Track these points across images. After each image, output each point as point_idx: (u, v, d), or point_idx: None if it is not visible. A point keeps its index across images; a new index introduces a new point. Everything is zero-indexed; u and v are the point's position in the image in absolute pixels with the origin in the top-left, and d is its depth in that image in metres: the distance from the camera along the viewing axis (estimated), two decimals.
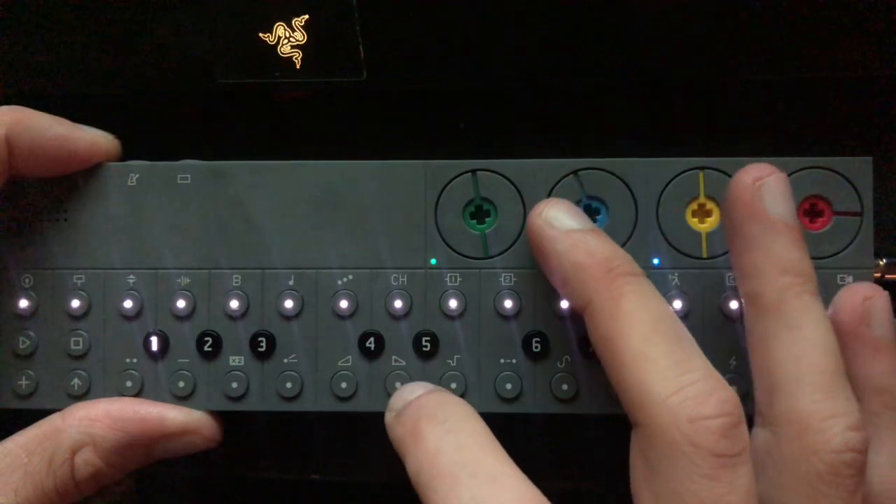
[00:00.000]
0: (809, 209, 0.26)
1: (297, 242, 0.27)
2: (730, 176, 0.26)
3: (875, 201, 0.26)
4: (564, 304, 0.26)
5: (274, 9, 0.28)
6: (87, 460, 0.25)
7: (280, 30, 0.28)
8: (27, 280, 0.27)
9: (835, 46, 0.28)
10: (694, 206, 0.26)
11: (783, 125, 0.30)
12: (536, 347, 0.26)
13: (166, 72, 0.29)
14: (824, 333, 0.22)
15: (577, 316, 0.26)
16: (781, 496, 0.21)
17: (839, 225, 0.26)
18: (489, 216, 0.27)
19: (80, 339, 0.27)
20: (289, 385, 0.27)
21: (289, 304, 0.26)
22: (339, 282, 0.27)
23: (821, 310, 0.22)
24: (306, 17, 0.28)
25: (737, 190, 0.23)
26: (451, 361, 0.26)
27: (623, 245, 0.26)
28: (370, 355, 0.27)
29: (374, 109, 0.31)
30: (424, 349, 0.26)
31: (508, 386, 0.26)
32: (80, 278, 0.27)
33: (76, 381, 0.27)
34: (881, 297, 0.24)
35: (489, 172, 0.26)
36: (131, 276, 0.27)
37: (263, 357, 0.27)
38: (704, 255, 0.26)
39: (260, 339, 0.27)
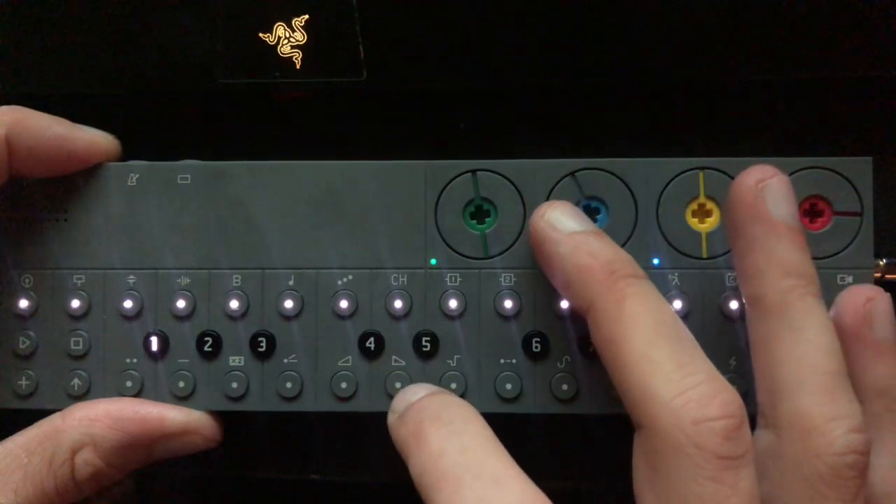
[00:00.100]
0: (809, 209, 0.26)
1: (297, 242, 0.27)
2: (730, 176, 0.26)
3: (875, 201, 0.26)
4: (564, 304, 0.26)
5: (274, 9, 0.28)
6: (88, 460, 0.25)
7: (280, 30, 0.28)
8: (27, 280, 0.27)
9: (835, 46, 0.28)
10: (694, 206, 0.26)
11: (783, 125, 0.30)
12: (536, 347, 0.26)
13: (166, 72, 0.29)
14: (827, 335, 0.22)
15: (577, 316, 0.26)
16: (784, 498, 0.21)
17: (839, 225, 0.26)
18: (489, 216, 0.27)
19: (80, 339, 0.27)
20: (289, 385, 0.27)
21: (289, 304, 0.26)
22: (339, 282, 0.27)
23: (823, 312, 0.22)
24: (306, 17, 0.28)
25: (739, 192, 0.23)
26: (451, 361, 0.26)
27: (623, 245, 0.26)
28: (370, 355, 0.27)
29: (374, 109, 0.31)
30: (424, 349, 0.26)
31: (508, 386, 0.26)
32: (80, 278, 0.27)
33: (76, 381, 0.27)
34: (883, 298, 0.24)
35: (489, 172, 0.26)
36: (131, 276, 0.27)
37: (263, 357, 0.27)
38: (704, 255, 0.26)
39: (260, 339, 0.27)
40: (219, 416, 0.27)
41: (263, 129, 0.31)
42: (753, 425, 0.22)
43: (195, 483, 0.34)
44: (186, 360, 0.27)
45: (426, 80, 0.29)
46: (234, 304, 0.27)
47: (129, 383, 0.27)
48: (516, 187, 0.26)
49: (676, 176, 0.26)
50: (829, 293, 0.24)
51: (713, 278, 0.26)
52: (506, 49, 0.29)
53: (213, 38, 0.29)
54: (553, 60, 0.29)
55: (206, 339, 0.27)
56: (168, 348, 0.27)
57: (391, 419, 0.24)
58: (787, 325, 0.22)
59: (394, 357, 0.27)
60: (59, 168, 0.26)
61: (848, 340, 0.23)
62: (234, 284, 0.27)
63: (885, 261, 0.28)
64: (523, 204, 0.26)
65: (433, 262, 0.27)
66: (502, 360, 0.26)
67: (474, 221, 0.27)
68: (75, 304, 0.27)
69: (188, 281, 0.27)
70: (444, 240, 0.27)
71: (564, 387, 0.26)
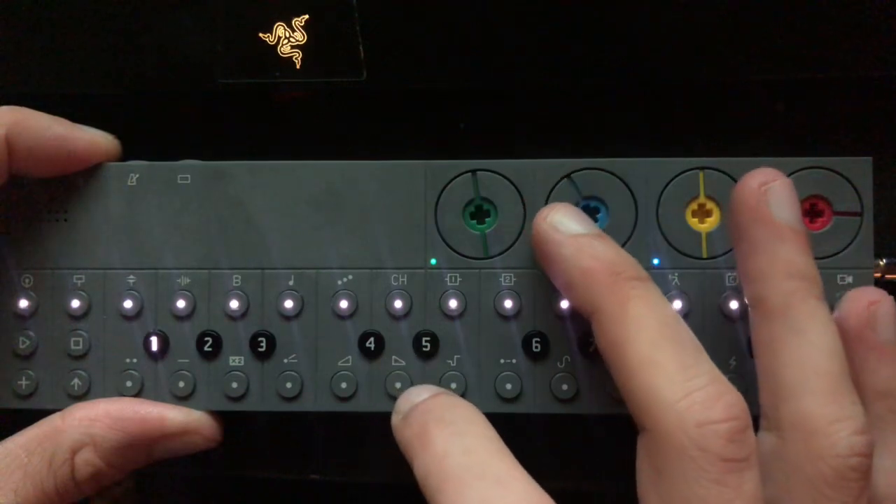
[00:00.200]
0: (809, 209, 0.26)
1: (297, 242, 0.27)
2: (730, 176, 0.26)
3: (875, 201, 0.26)
4: (564, 304, 0.26)
5: (274, 9, 0.28)
6: (88, 460, 0.25)
7: (280, 30, 0.28)
8: (27, 280, 0.27)
9: (835, 46, 0.28)
10: (694, 206, 0.26)
11: (783, 125, 0.30)
12: (536, 347, 0.26)
13: (166, 72, 0.29)
14: (830, 337, 0.22)
15: (577, 316, 0.26)
16: (787, 500, 0.21)
17: (839, 225, 0.26)
18: (489, 216, 0.27)
19: (80, 339, 0.27)
20: (289, 385, 0.27)
21: (289, 304, 0.26)
22: (339, 282, 0.27)
23: (826, 314, 0.22)
24: (306, 17, 0.28)
25: (742, 194, 0.23)
26: (451, 361, 0.26)
27: (623, 245, 0.26)
28: (370, 355, 0.27)
29: (374, 109, 0.31)
30: (424, 349, 0.26)
31: (508, 386, 0.26)
32: (80, 278, 0.27)
33: (76, 381, 0.27)
34: (886, 301, 0.24)
35: (489, 172, 0.26)
36: (131, 276, 0.27)
37: (263, 357, 0.27)
38: (704, 255, 0.26)
39: (260, 339, 0.27)
40: (219, 416, 0.27)
41: (263, 129, 0.31)
42: (756, 427, 0.22)
43: (195, 483, 0.34)
44: (186, 360, 0.27)
45: (426, 80, 0.29)
46: (234, 304, 0.27)
47: (129, 383, 0.27)
48: (516, 187, 0.26)
49: (676, 176, 0.26)
50: (829, 293, 0.24)
51: (713, 278, 0.26)
52: (506, 49, 0.29)
53: (213, 38, 0.29)
54: (553, 60, 0.29)
55: (206, 339, 0.27)
56: (168, 348, 0.27)
57: (395, 420, 0.24)
58: (790, 328, 0.22)
59: (394, 357, 0.27)
60: (59, 168, 0.26)
61: (851, 343, 0.23)
62: (234, 284, 0.27)
63: (885, 261, 0.28)
64: (523, 204, 0.26)
65: (433, 262, 0.27)
66: (502, 360, 0.26)
67: (474, 221, 0.27)
68: (75, 304, 0.27)
69: (188, 281, 0.27)
70: (444, 240, 0.27)
71: (564, 387, 0.26)
